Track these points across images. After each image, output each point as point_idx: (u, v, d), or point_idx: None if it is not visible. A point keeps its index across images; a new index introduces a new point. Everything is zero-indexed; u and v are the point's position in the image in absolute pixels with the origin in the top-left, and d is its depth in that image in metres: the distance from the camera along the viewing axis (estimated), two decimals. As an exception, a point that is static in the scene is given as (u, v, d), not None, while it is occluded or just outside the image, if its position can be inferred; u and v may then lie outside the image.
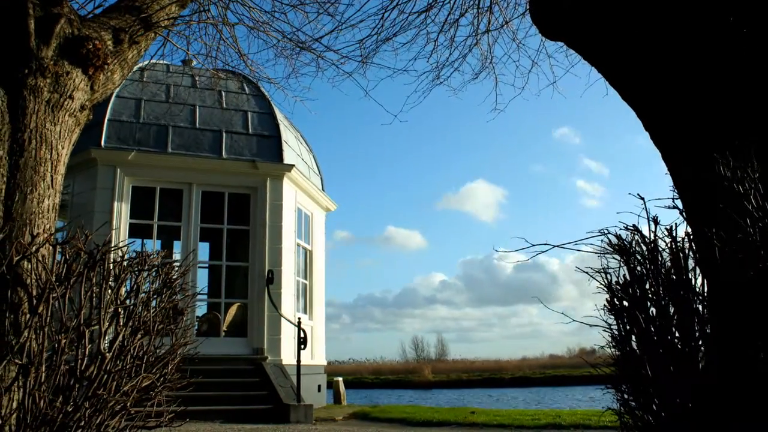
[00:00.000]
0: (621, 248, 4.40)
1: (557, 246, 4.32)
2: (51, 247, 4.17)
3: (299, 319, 10.29)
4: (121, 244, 4.77)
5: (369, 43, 6.88)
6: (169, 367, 4.77)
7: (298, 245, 11.98)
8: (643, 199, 3.96)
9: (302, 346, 9.81)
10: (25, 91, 4.63)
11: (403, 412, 10.12)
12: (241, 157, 11.30)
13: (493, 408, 13.46)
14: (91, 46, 5.02)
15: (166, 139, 11.06)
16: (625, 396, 4.48)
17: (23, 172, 4.47)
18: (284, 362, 10.59)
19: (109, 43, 5.29)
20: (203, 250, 13.92)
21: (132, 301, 4.44)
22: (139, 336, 4.46)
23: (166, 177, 10.92)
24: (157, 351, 4.62)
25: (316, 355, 12.24)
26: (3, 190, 4.33)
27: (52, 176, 4.72)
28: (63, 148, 4.92)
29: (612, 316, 4.61)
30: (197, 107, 11.60)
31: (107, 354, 4.11)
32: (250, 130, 11.65)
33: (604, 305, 4.66)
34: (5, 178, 4.36)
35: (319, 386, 12.10)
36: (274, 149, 11.53)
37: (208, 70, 8.18)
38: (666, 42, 4.33)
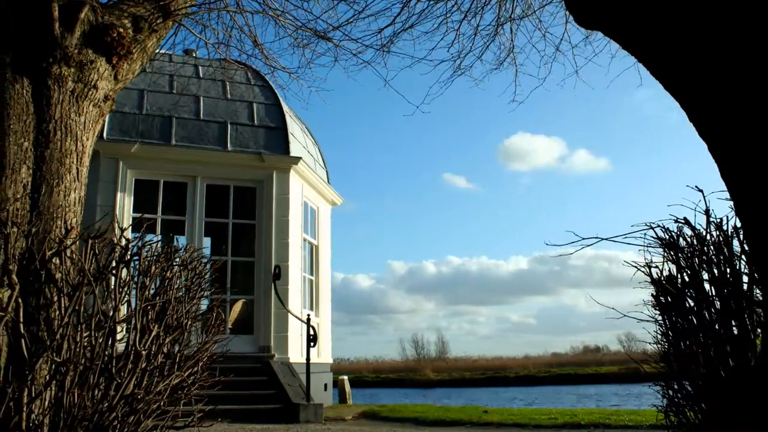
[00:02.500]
0: (669, 242, 4.30)
1: (606, 239, 4.23)
2: (83, 242, 4.02)
3: (308, 316, 10.13)
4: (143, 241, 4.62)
5: (388, 32, 6.73)
6: (199, 366, 4.65)
7: (305, 240, 11.80)
8: (701, 191, 3.87)
9: (312, 344, 9.65)
10: (49, 81, 4.47)
11: (414, 412, 10.00)
12: (247, 149, 11.09)
13: (501, 407, 13.35)
14: (115, 35, 4.86)
15: (169, 130, 10.82)
16: (671, 393, 4.39)
17: (49, 164, 4.31)
18: (291, 360, 10.40)
19: (130, 31, 5.13)
20: (205, 245, 13.70)
21: (164, 298, 4.31)
22: (172, 334, 4.34)
23: (170, 170, 10.69)
24: (185, 349, 4.50)
25: (322, 354, 12.05)
26: (29, 183, 4.17)
27: (77, 168, 4.57)
28: (87, 139, 4.77)
29: (657, 312, 4.52)
30: (201, 98, 11.35)
31: (142, 352, 3.97)
32: (255, 121, 11.43)
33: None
34: (31, 171, 4.21)
35: (326, 385, 11.88)
36: (281, 141, 11.32)
37: (221, 60, 8.01)
38: (717, 31, 4.20)
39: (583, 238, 4.18)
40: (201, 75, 11.88)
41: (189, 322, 4.55)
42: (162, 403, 4.13)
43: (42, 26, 4.45)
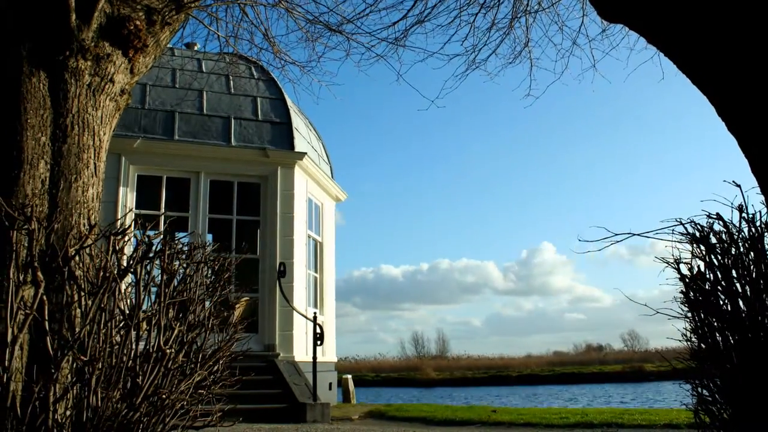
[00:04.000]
0: (700, 238, 4.24)
1: (637, 234, 4.17)
2: (104, 239, 3.93)
3: (315, 314, 10.02)
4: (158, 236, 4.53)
5: (401, 25, 6.65)
6: (220, 364, 4.57)
7: (309, 237, 11.68)
8: (739, 186, 3.80)
9: (319, 342, 9.54)
10: (66, 74, 4.36)
11: (421, 411, 9.87)
12: (251, 144, 10.94)
13: (507, 406, 13.28)
14: (132, 27, 4.76)
15: (172, 126, 10.67)
16: (700, 391, 4.33)
17: (66, 159, 4.22)
18: (297, 359, 10.29)
19: (144, 23, 5.03)
20: (208, 242, 13.51)
21: (186, 296, 4.23)
22: (193, 332, 4.26)
23: (173, 165, 10.55)
24: (206, 347, 4.43)
25: (327, 352, 11.86)
26: (47, 179, 4.08)
27: (95, 164, 4.48)
28: (104, 134, 4.67)
29: (687, 308, 4.46)
30: (205, 93, 11.21)
31: (167, 350, 3.89)
32: (259, 116, 11.28)
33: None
34: (49, 166, 4.11)
35: (330, 384, 11.72)
36: (285, 136, 11.18)
37: (229, 54, 7.92)
38: (750, 21, 4.14)
39: (616, 234, 4.13)
40: (204, 69, 11.74)
41: (210, 320, 4.48)
42: (185, 403, 4.05)
43: (58, 18, 4.35)
